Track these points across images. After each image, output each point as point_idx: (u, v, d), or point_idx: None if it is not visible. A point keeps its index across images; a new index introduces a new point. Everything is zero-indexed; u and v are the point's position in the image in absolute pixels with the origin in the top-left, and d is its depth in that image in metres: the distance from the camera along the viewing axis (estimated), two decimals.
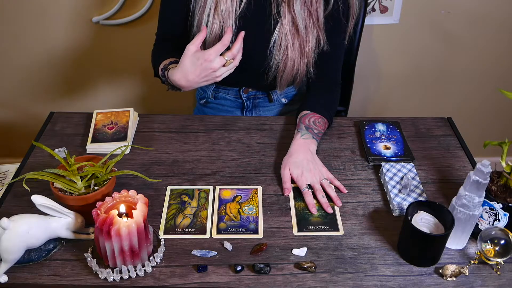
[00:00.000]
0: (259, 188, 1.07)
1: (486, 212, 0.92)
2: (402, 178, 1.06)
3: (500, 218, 0.91)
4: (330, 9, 1.18)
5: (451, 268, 0.87)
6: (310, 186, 1.05)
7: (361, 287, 0.86)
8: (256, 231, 0.96)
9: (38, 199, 0.86)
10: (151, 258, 0.88)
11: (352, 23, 1.21)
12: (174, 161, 1.14)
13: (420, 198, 1.01)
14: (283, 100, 1.41)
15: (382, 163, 1.11)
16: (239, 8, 1.17)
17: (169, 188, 1.06)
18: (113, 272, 0.85)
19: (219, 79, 1.09)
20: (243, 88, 1.37)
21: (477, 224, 0.93)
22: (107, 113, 1.26)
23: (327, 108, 1.23)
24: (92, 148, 1.15)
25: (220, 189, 1.06)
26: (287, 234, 0.96)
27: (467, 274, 0.86)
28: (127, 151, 1.16)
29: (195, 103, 1.52)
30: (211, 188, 1.06)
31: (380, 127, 1.24)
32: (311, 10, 1.16)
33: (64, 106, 1.99)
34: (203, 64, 1.04)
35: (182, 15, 1.23)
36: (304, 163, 1.08)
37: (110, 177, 0.96)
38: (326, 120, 1.20)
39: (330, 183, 1.07)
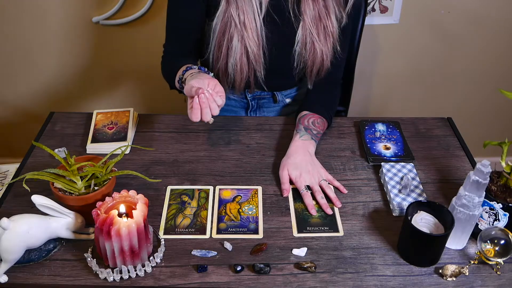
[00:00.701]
0: (259, 188, 1.07)
1: (486, 212, 0.92)
2: (402, 178, 1.06)
3: (500, 218, 0.91)
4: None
5: (451, 268, 0.87)
6: (309, 187, 1.05)
7: (361, 287, 0.86)
8: (256, 231, 0.96)
9: (38, 199, 0.86)
10: (151, 258, 0.88)
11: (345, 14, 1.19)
12: (174, 161, 1.14)
13: (420, 198, 1.01)
14: (287, 100, 1.41)
15: (382, 163, 1.11)
16: (261, 17, 1.13)
17: (169, 188, 1.06)
18: (113, 272, 0.85)
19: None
20: (248, 89, 1.37)
21: (477, 224, 0.93)
22: (107, 113, 1.26)
23: (326, 108, 1.23)
24: (92, 148, 1.15)
25: (220, 189, 1.06)
26: (287, 234, 0.96)
27: (467, 274, 0.86)
28: (127, 151, 1.16)
29: None
30: (211, 188, 1.06)
31: (380, 127, 1.24)
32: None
33: (64, 106, 1.99)
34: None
35: (197, 31, 1.21)
36: (302, 164, 1.08)
37: (110, 177, 0.96)
38: (325, 121, 1.20)
39: (329, 184, 1.07)
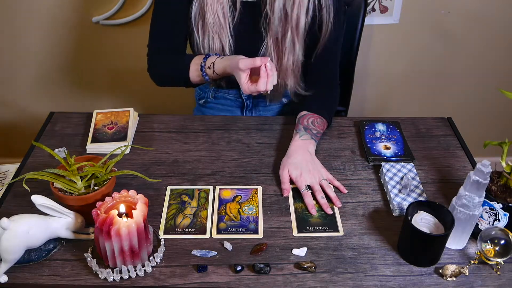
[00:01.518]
0: (259, 188, 1.07)
1: (486, 212, 0.91)
2: (402, 178, 1.06)
3: (500, 218, 0.91)
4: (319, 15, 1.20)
5: (451, 268, 0.87)
6: (309, 187, 1.05)
7: (361, 287, 0.86)
8: (256, 231, 0.96)
9: (38, 199, 0.86)
10: (151, 258, 0.88)
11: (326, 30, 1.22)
12: (174, 161, 1.14)
13: (420, 198, 1.01)
14: (283, 100, 1.41)
15: (382, 163, 1.11)
16: (232, 23, 1.20)
17: (169, 188, 1.06)
18: (113, 272, 0.85)
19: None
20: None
21: (477, 224, 0.93)
22: (107, 113, 1.26)
23: (326, 108, 1.23)
24: (92, 148, 1.15)
25: (220, 189, 1.06)
26: (287, 234, 0.96)
27: (467, 274, 0.86)
28: (127, 151, 1.16)
29: (194, 104, 1.51)
30: (211, 188, 1.06)
31: (380, 127, 1.24)
32: (291, 24, 1.17)
33: (64, 106, 1.99)
34: None
35: (181, 26, 1.24)
36: (303, 164, 1.08)
37: (110, 177, 0.96)
38: (325, 120, 1.20)
39: (329, 183, 1.07)
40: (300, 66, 1.26)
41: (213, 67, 1.18)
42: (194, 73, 1.23)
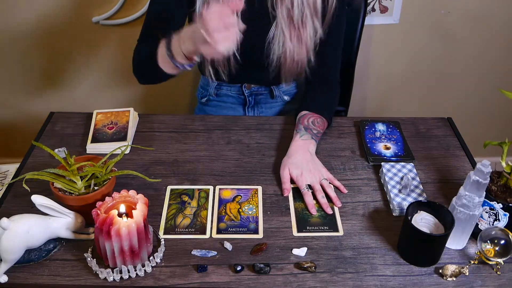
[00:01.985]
0: (259, 188, 1.07)
1: (486, 212, 0.91)
2: (402, 178, 1.06)
3: (500, 218, 0.91)
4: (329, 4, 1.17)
5: (451, 268, 0.87)
6: (310, 187, 1.05)
7: (361, 287, 0.86)
8: (256, 231, 0.96)
9: (38, 199, 0.86)
10: (151, 258, 0.88)
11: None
12: (174, 161, 1.14)
13: (420, 198, 1.01)
14: (285, 98, 1.41)
15: (382, 163, 1.11)
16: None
17: (169, 188, 1.06)
18: (113, 272, 0.85)
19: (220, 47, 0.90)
20: (245, 84, 1.37)
21: (477, 224, 0.93)
22: (107, 113, 1.26)
23: (326, 108, 1.23)
24: (92, 148, 1.15)
25: (220, 189, 1.06)
26: (287, 234, 0.96)
27: (467, 274, 0.86)
28: (127, 151, 1.16)
29: (195, 103, 1.52)
30: (211, 188, 1.06)
31: (380, 127, 1.24)
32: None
33: (64, 106, 1.99)
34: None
35: (178, 23, 1.18)
36: (303, 163, 1.08)
37: (110, 177, 0.96)
38: (325, 120, 1.20)
39: (330, 183, 1.07)
40: (313, 37, 1.20)
41: (179, 35, 1.01)
42: (160, 57, 1.07)
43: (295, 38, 1.19)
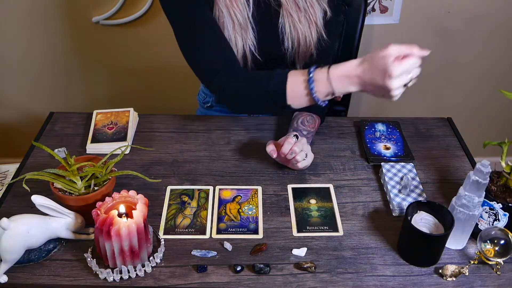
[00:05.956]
0: (259, 188, 1.07)
1: (486, 212, 0.92)
2: (402, 178, 1.06)
3: (500, 218, 0.91)
4: None
5: (451, 268, 0.87)
6: (296, 139, 1.05)
7: (361, 287, 0.86)
8: (256, 231, 0.96)
9: (38, 199, 0.86)
10: (151, 258, 0.88)
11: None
12: (174, 161, 1.14)
13: (420, 198, 1.01)
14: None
15: (382, 163, 1.11)
16: (250, 12, 1.13)
17: (169, 188, 1.06)
18: (113, 272, 0.85)
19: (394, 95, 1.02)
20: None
21: (477, 224, 0.93)
22: (107, 113, 1.26)
23: (316, 105, 1.21)
24: (92, 148, 1.15)
25: (220, 189, 1.06)
26: (287, 234, 0.96)
27: (467, 274, 0.86)
28: (127, 151, 1.16)
29: (196, 104, 1.51)
30: (211, 188, 1.06)
31: (380, 127, 1.24)
32: None
33: (64, 106, 1.99)
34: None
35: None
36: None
37: (110, 177, 0.96)
38: (316, 117, 1.19)
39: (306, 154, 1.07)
40: (323, 17, 1.18)
41: (328, 73, 1.02)
42: (291, 93, 1.04)
43: (304, 19, 1.16)
